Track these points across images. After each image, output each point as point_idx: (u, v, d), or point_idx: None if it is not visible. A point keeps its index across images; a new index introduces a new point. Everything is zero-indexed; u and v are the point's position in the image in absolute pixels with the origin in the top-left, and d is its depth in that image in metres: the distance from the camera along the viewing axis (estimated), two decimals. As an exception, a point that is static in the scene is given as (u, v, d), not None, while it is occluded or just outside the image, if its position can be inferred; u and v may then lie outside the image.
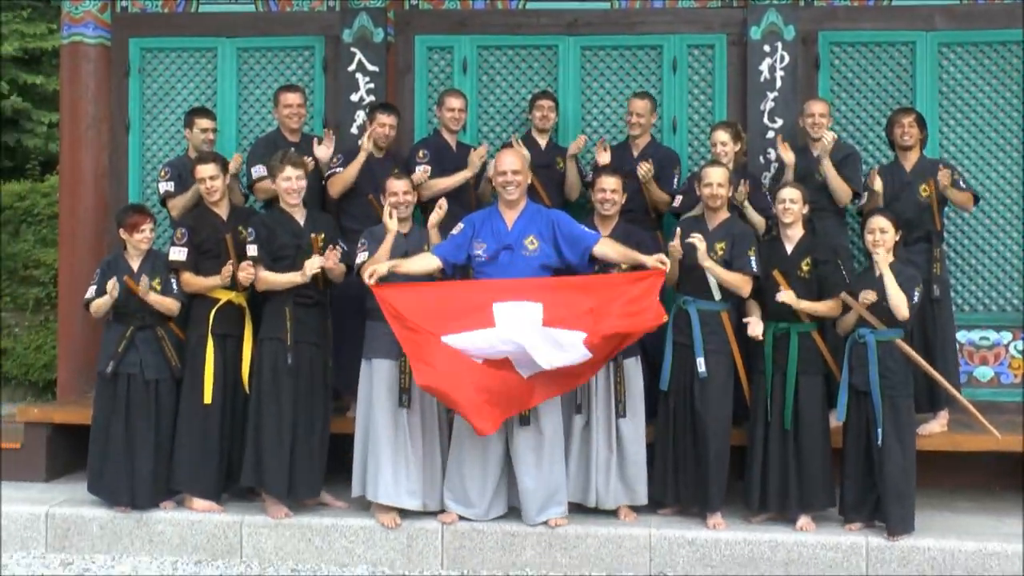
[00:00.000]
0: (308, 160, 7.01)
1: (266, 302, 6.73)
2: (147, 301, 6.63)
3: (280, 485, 6.63)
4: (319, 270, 6.53)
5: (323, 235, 6.75)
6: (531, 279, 6.36)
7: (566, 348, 6.12)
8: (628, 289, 6.28)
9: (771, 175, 7.81)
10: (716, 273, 6.46)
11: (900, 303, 6.25)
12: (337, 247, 6.62)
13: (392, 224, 6.50)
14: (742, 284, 6.50)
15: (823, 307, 6.48)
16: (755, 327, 6.48)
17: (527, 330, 6.11)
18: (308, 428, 6.70)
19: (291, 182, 6.69)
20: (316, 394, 6.75)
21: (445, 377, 6.10)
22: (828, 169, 7.19)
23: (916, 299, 6.35)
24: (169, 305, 6.74)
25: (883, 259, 6.30)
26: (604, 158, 7.31)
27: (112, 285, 6.54)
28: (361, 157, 7.23)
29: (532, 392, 6.25)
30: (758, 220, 7.07)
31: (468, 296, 6.30)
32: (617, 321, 6.15)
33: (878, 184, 7.20)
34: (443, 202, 6.72)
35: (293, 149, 7.15)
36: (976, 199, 7.37)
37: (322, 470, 6.78)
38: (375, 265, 6.25)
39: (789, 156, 7.24)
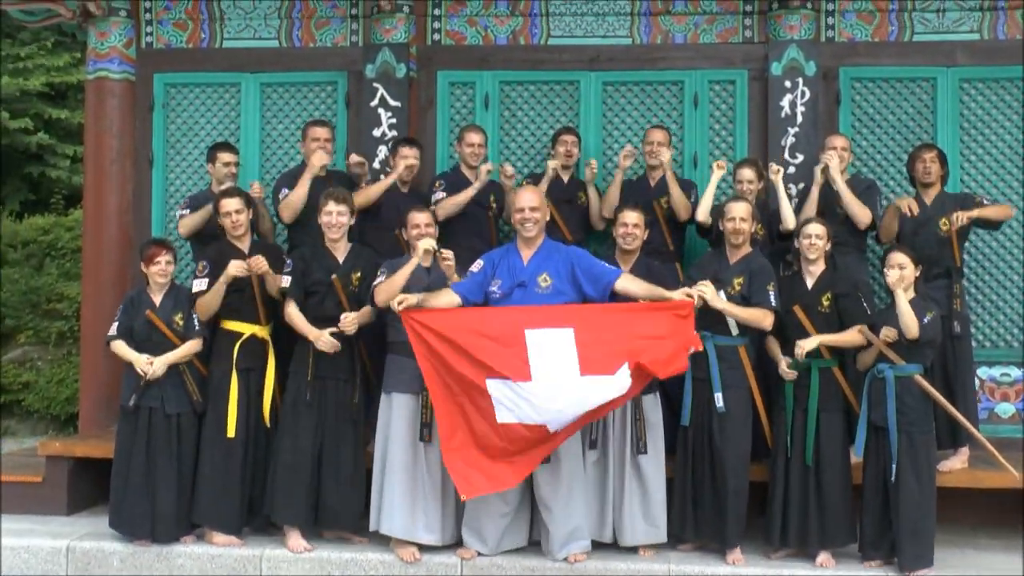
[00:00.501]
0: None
1: (297, 335, 6.74)
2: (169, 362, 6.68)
3: (298, 516, 6.65)
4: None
5: (359, 273, 6.76)
6: (562, 306, 6.33)
7: (609, 386, 6.11)
8: (659, 317, 6.25)
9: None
10: (732, 313, 6.46)
11: (911, 322, 6.23)
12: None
13: (425, 244, 6.42)
14: (762, 318, 6.50)
15: (845, 337, 6.46)
16: (789, 372, 6.48)
17: (565, 382, 6.09)
18: (335, 461, 6.70)
19: (332, 217, 6.73)
20: (343, 428, 6.75)
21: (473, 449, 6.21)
22: (841, 185, 7.18)
23: (927, 319, 6.31)
24: (191, 350, 6.77)
25: (901, 296, 6.28)
26: (627, 162, 7.53)
27: (145, 365, 6.60)
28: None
29: (556, 439, 6.24)
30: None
31: (497, 322, 6.28)
32: (655, 349, 6.15)
33: (906, 205, 7.18)
34: (449, 253, 6.56)
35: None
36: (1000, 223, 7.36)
37: (358, 502, 6.75)
38: (406, 296, 6.24)
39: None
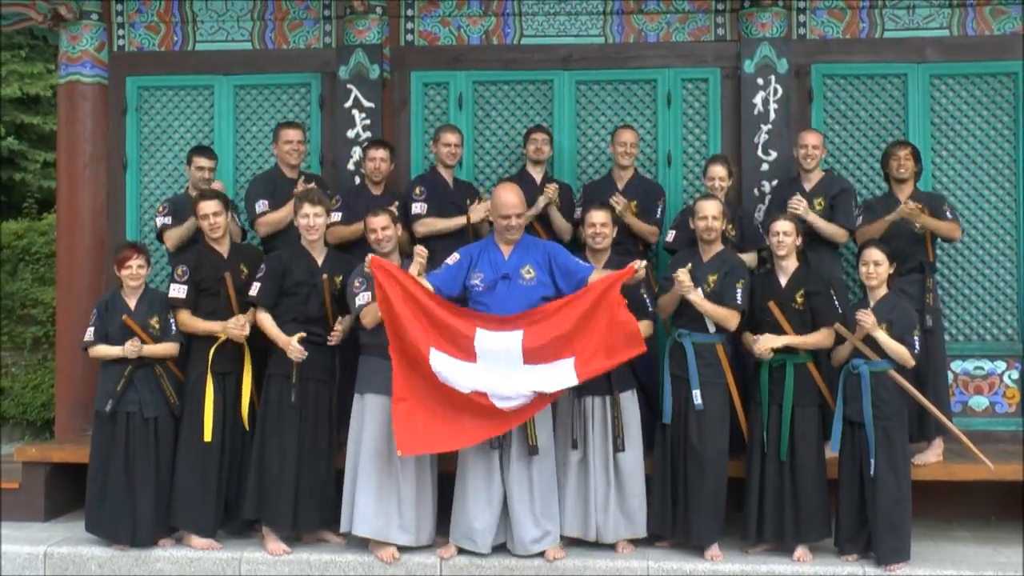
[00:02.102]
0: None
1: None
2: (143, 354, 6.67)
3: (283, 519, 6.66)
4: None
5: (340, 277, 6.78)
6: (516, 315, 6.37)
7: (554, 377, 6.22)
8: (605, 300, 6.27)
9: (764, 208, 7.85)
10: (701, 306, 6.50)
11: (904, 357, 6.33)
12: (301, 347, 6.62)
13: (414, 271, 6.45)
14: (727, 317, 6.54)
15: (813, 339, 6.51)
16: (762, 343, 6.49)
17: (507, 370, 6.21)
18: (313, 462, 6.72)
19: (309, 219, 6.73)
20: (321, 430, 6.77)
21: (422, 413, 6.28)
22: (816, 222, 7.22)
23: (918, 347, 6.40)
24: (167, 351, 6.77)
25: (872, 324, 6.32)
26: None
27: (134, 348, 6.59)
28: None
29: (505, 419, 6.31)
30: (749, 259, 7.12)
31: (455, 315, 6.36)
32: (601, 344, 6.23)
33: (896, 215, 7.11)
34: (422, 249, 6.63)
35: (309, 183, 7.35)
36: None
37: (331, 503, 6.76)
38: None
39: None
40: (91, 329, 6.79)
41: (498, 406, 6.21)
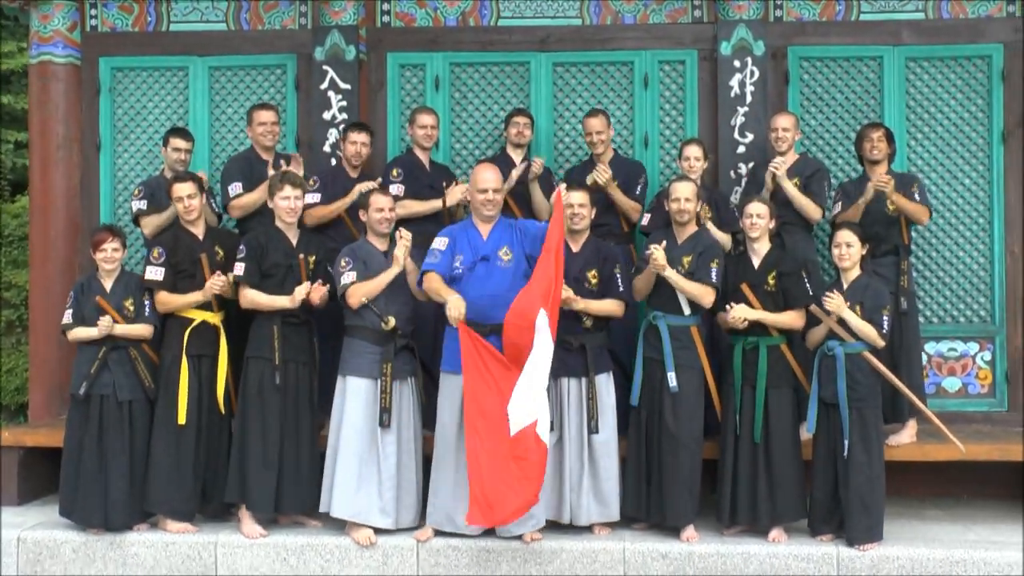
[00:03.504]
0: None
1: (253, 321, 6.75)
2: (114, 333, 6.64)
3: (265, 501, 6.66)
4: (305, 296, 6.58)
5: (314, 256, 6.78)
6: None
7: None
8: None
9: (740, 190, 7.86)
10: (676, 282, 6.51)
11: (872, 337, 6.36)
12: (325, 284, 6.64)
13: (401, 255, 6.50)
14: (702, 294, 6.55)
15: (783, 319, 6.54)
16: (736, 311, 6.48)
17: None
18: (295, 445, 6.73)
19: (289, 201, 6.72)
20: (303, 412, 6.77)
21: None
22: (790, 189, 7.25)
23: (887, 326, 6.43)
24: (140, 332, 6.75)
25: (837, 306, 6.36)
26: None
27: (106, 324, 6.56)
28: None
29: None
30: (723, 238, 7.12)
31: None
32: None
33: (870, 194, 7.10)
34: (406, 232, 6.64)
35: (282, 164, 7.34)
36: (929, 215, 7.38)
37: (316, 485, 6.73)
38: (459, 306, 6.24)
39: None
40: (69, 312, 6.75)
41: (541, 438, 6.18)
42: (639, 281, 6.72)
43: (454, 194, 7.41)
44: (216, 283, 6.64)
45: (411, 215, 7.35)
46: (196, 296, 6.71)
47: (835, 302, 6.33)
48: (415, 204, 7.42)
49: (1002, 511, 7.28)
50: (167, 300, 6.76)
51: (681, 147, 7.48)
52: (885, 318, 6.42)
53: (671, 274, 6.49)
